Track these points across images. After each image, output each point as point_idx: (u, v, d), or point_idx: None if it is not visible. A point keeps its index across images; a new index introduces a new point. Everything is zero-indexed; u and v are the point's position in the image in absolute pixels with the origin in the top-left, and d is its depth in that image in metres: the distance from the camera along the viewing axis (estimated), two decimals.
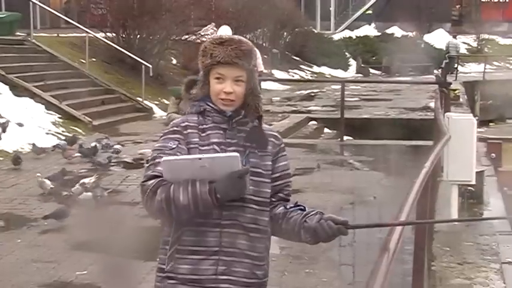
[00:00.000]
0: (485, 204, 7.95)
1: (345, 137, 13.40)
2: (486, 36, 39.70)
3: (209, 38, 2.91)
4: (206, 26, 21.39)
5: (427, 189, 4.36)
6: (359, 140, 13.79)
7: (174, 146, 2.72)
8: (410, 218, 3.38)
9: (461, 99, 19.20)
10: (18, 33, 17.25)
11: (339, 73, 30.30)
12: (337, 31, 37.79)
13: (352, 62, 32.54)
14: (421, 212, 4.39)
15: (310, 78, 28.55)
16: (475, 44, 39.66)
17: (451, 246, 6.37)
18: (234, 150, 2.71)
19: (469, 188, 7.72)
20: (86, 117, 13.89)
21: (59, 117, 13.44)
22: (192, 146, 2.74)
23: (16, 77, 13.93)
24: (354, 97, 20.43)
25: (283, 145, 2.90)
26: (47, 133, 12.34)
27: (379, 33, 35.95)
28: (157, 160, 2.69)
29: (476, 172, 7.37)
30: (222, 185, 2.58)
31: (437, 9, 38.62)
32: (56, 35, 18.92)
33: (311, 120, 16.26)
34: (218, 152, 2.71)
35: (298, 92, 22.93)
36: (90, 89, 15.94)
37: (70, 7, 26.11)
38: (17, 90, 13.52)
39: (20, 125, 12.02)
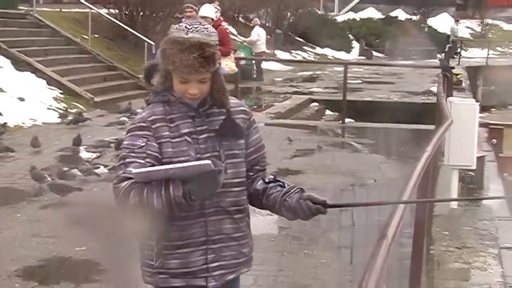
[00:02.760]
0: (485, 189, 7.95)
1: (347, 120, 13.39)
2: (490, 21, 39.57)
3: (171, 34, 2.69)
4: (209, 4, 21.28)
5: (428, 173, 4.36)
6: (361, 122, 13.78)
7: (143, 144, 2.66)
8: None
9: (463, 84, 19.18)
10: (20, 7, 17.17)
11: (341, 55, 30.23)
12: (340, 13, 37.64)
13: (355, 45, 32.47)
14: (422, 196, 4.38)
15: (313, 59, 28.47)
16: (479, 29, 39.55)
17: (450, 231, 6.37)
18: (206, 137, 2.71)
19: (470, 173, 7.71)
20: (88, 93, 13.87)
21: (61, 93, 13.42)
22: (163, 140, 2.68)
23: (18, 51, 13.89)
24: (357, 79, 20.40)
25: (252, 118, 2.87)
26: (48, 108, 12.32)
27: (383, 16, 35.82)
28: (127, 160, 2.64)
29: (477, 157, 7.36)
30: (195, 186, 2.54)
31: None
32: (58, 10, 18.84)
33: (313, 102, 16.24)
34: (190, 142, 2.69)
35: (300, 73, 22.89)
36: (92, 65, 15.91)
37: None
38: (19, 65, 13.49)
39: (21, 99, 12.01)
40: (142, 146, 2.65)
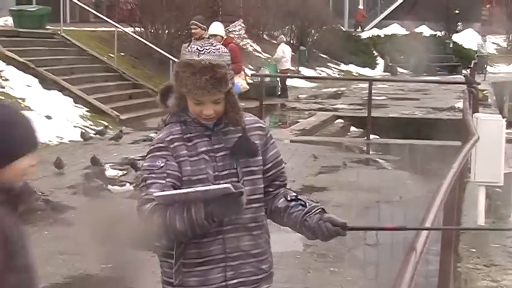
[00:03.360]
0: None
1: (372, 136, 13.35)
2: None
3: (186, 54, 2.72)
4: (234, 22, 21.42)
5: (454, 190, 4.33)
6: (385, 139, 13.73)
7: (162, 165, 2.68)
8: (437, 218, 3.35)
9: (489, 100, 19.05)
10: (48, 27, 17.39)
11: (366, 71, 30.19)
12: (365, 29, 37.63)
13: (380, 61, 32.41)
14: (448, 213, 4.35)
15: (338, 76, 28.47)
16: (504, 45, 39.30)
17: (478, 248, 6.31)
18: (223, 155, 2.73)
19: (497, 189, 7.64)
20: (114, 111, 13.98)
21: (87, 111, 13.54)
22: (181, 159, 2.71)
23: (45, 70, 14.06)
24: (381, 96, 20.34)
25: (269, 134, 2.88)
26: (75, 126, 12.43)
27: (408, 32, 35.73)
28: (148, 181, 2.68)
29: (505, 174, 7.30)
30: (217, 208, 2.55)
31: (467, 8, 38.27)
32: (85, 29, 19.06)
33: (338, 118, 16.22)
34: (208, 160, 2.71)
35: (325, 90, 22.88)
36: (118, 84, 16.05)
37: (100, 1, 26.28)
38: (46, 83, 13.63)
39: (49, 117, 12.12)
40: (162, 167, 2.67)
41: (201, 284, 2.73)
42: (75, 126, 12.42)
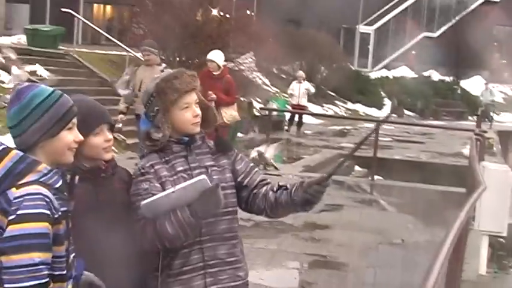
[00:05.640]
0: None
1: (375, 177, 13.34)
2: None
3: (165, 78, 3.08)
4: (245, 54, 21.51)
5: (460, 240, 4.32)
6: (389, 180, 13.71)
7: (146, 187, 2.96)
8: (444, 266, 3.35)
9: (495, 149, 19.03)
10: (61, 47, 17.52)
11: (373, 111, 30.25)
12: (374, 69, 37.80)
13: (387, 102, 32.49)
14: (452, 262, 4.34)
15: (344, 114, 28.52)
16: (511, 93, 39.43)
17: None
18: (198, 172, 3.02)
19: (500, 239, 7.62)
20: (121, 135, 13.99)
21: None
22: (163, 179, 3.00)
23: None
24: (387, 137, 20.37)
25: (234, 151, 3.21)
26: None
27: (416, 75, 35.88)
28: (137, 204, 2.90)
29: (508, 224, 7.28)
30: (199, 204, 2.83)
31: (477, 56, 38.48)
32: (97, 51, 19.17)
33: (342, 157, 16.21)
34: (186, 178, 2.98)
35: (331, 127, 22.92)
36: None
37: (112, 24, 26.48)
38: None
39: None
40: (146, 188, 2.95)
41: None
42: None
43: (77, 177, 2.55)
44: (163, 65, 10.41)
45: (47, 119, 2.40)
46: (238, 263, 3.12)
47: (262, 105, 20.81)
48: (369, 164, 13.92)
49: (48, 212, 2.31)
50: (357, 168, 15.82)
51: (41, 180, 2.36)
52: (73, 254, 2.51)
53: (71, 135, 2.46)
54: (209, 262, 3.02)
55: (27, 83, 2.51)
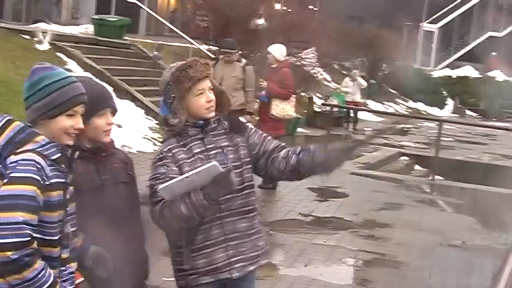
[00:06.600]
0: None
1: (436, 177, 13.19)
2: None
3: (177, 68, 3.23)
4: (307, 49, 21.47)
5: None
6: (450, 181, 13.54)
7: (164, 171, 3.13)
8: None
9: None
10: (126, 37, 17.78)
11: (434, 111, 29.91)
12: (436, 68, 37.31)
13: (449, 101, 32.06)
14: None
15: (405, 112, 28.25)
16: None
17: None
18: (215, 153, 3.21)
19: None
20: None
21: (156, 123, 13.74)
22: (180, 162, 3.17)
23: (120, 79, 14.35)
24: (448, 137, 20.11)
25: (248, 126, 3.39)
26: (144, 137, 12.63)
27: (480, 76, 35.28)
28: (155, 188, 3.08)
29: None
30: (212, 187, 3.00)
31: None
32: (160, 42, 19.40)
33: (402, 156, 16.08)
34: (203, 159, 3.18)
35: (391, 126, 22.71)
36: None
37: (176, 16, 26.72)
38: (120, 93, 13.89)
39: (119, 126, 12.34)
40: (164, 172, 3.12)
41: (208, 264, 3.20)
42: (144, 138, 12.62)
43: (77, 153, 2.69)
44: (244, 60, 10.60)
45: (49, 101, 2.58)
46: (258, 233, 3.32)
47: (323, 101, 20.77)
48: (428, 164, 13.77)
49: (37, 177, 2.47)
50: (416, 167, 15.67)
51: (37, 149, 2.53)
52: (74, 228, 2.67)
53: (69, 121, 2.61)
54: (229, 235, 3.22)
55: (45, 64, 2.67)
